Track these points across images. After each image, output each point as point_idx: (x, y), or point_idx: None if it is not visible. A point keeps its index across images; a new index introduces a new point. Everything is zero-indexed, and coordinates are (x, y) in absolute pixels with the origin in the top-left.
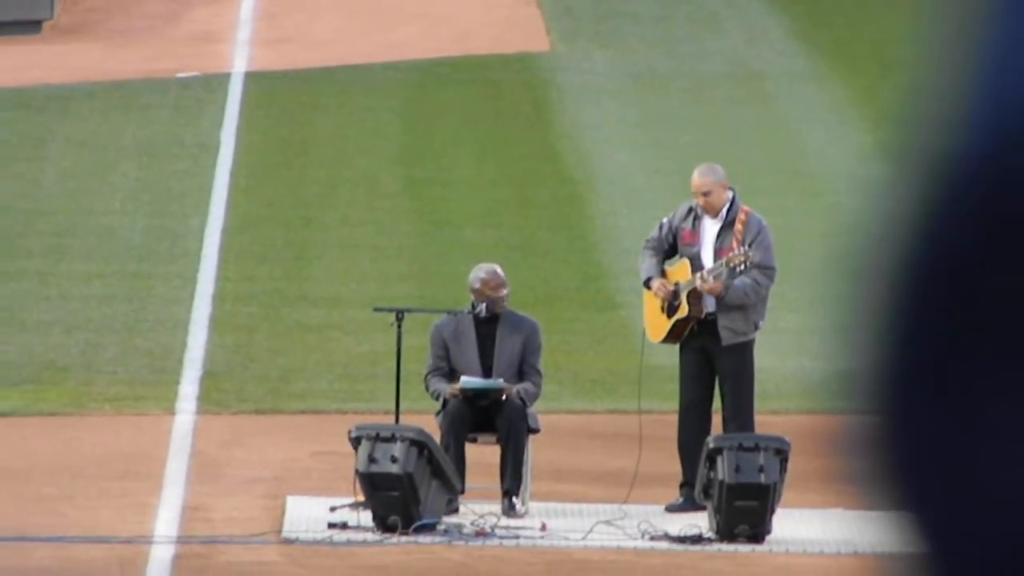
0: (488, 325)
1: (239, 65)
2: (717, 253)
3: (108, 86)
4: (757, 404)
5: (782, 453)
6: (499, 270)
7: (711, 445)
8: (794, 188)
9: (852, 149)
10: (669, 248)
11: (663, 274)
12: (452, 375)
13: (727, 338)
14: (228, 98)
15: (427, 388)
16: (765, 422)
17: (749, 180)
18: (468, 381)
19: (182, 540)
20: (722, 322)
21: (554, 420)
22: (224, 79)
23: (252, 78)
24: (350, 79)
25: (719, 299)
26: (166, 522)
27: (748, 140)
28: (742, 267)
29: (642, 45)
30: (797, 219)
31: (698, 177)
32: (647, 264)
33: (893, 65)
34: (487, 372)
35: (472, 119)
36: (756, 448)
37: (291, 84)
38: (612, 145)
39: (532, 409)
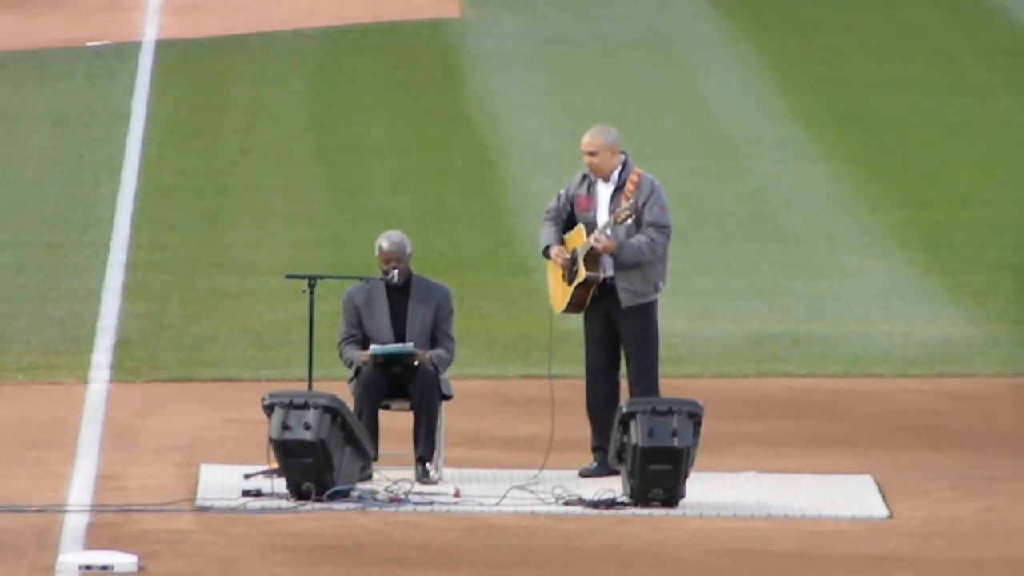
0: (400, 292)
1: (150, 33)
2: (612, 216)
3: (19, 55)
4: (672, 368)
5: (695, 417)
6: (397, 240)
7: (624, 409)
8: (707, 151)
9: (765, 112)
10: (568, 218)
11: (561, 242)
12: (365, 343)
13: (627, 299)
14: (139, 66)
15: (340, 356)
16: (679, 386)
17: (662, 144)
18: (377, 347)
19: (96, 509)
20: (621, 283)
21: (467, 386)
22: (135, 47)
23: (163, 46)
24: (261, 47)
25: (615, 259)
26: (80, 491)
27: (660, 104)
28: (630, 219)
29: (552, 10)
30: (710, 183)
31: (587, 137)
32: (545, 233)
33: (805, 27)
34: (400, 339)
35: (383, 86)
36: (669, 412)
37: (202, 52)
38: (523, 110)
39: (445, 375)
